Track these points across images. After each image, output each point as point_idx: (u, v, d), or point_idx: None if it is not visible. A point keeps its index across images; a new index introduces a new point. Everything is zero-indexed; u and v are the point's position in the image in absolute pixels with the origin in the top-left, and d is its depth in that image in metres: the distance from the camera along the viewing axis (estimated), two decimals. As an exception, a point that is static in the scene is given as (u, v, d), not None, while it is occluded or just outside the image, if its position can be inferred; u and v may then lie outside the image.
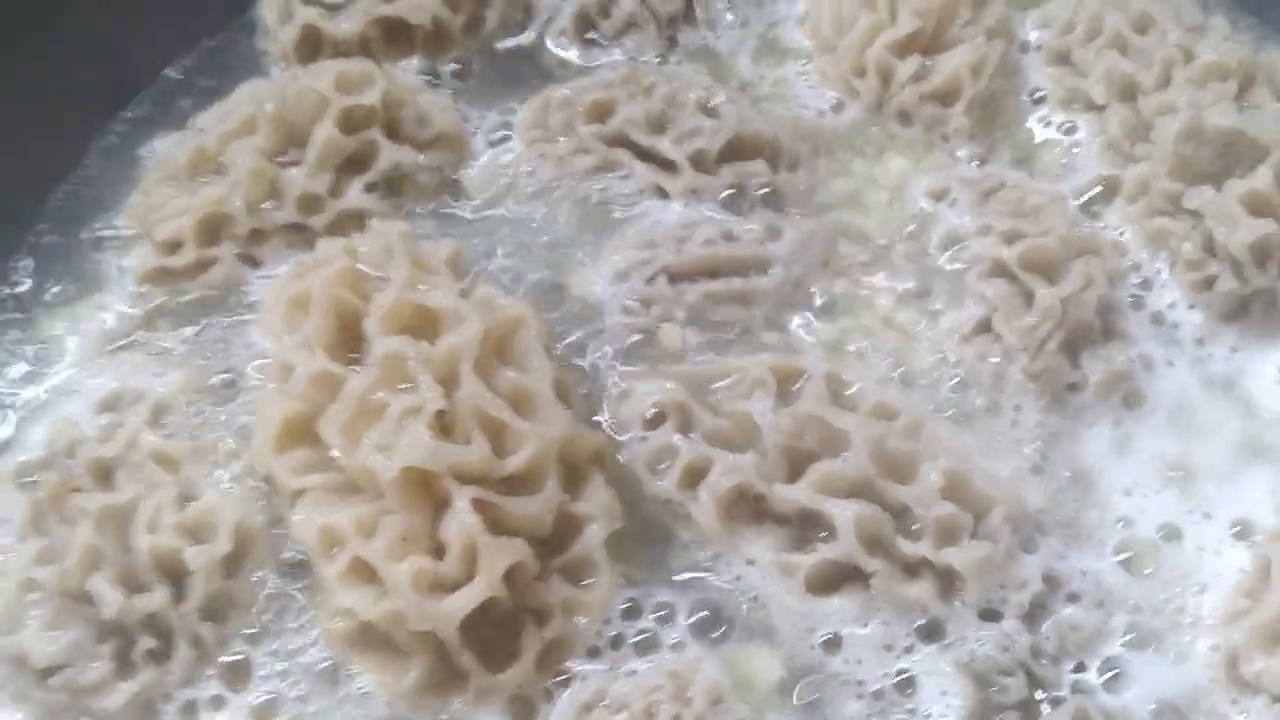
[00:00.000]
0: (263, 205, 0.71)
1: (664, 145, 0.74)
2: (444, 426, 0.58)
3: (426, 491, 0.57)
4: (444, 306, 0.61)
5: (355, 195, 0.72)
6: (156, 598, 0.59)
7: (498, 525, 0.57)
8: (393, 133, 0.74)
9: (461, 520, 0.55)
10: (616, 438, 0.66)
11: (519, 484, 0.58)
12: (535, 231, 0.74)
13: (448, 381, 0.59)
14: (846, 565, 0.60)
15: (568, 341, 0.69)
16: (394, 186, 0.74)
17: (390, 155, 0.73)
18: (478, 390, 0.58)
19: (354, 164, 0.73)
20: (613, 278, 0.71)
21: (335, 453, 0.57)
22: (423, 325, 0.61)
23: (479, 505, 0.56)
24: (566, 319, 0.70)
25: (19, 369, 0.72)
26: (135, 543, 0.60)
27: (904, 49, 0.77)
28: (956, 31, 0.77)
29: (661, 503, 0.64)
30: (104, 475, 0.63)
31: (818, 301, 0.71)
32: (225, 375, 0.68)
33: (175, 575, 0.60)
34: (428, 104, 0.77)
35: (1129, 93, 0.75)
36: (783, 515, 0.62)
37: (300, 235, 0.71)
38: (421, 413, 0.57)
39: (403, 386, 0.58)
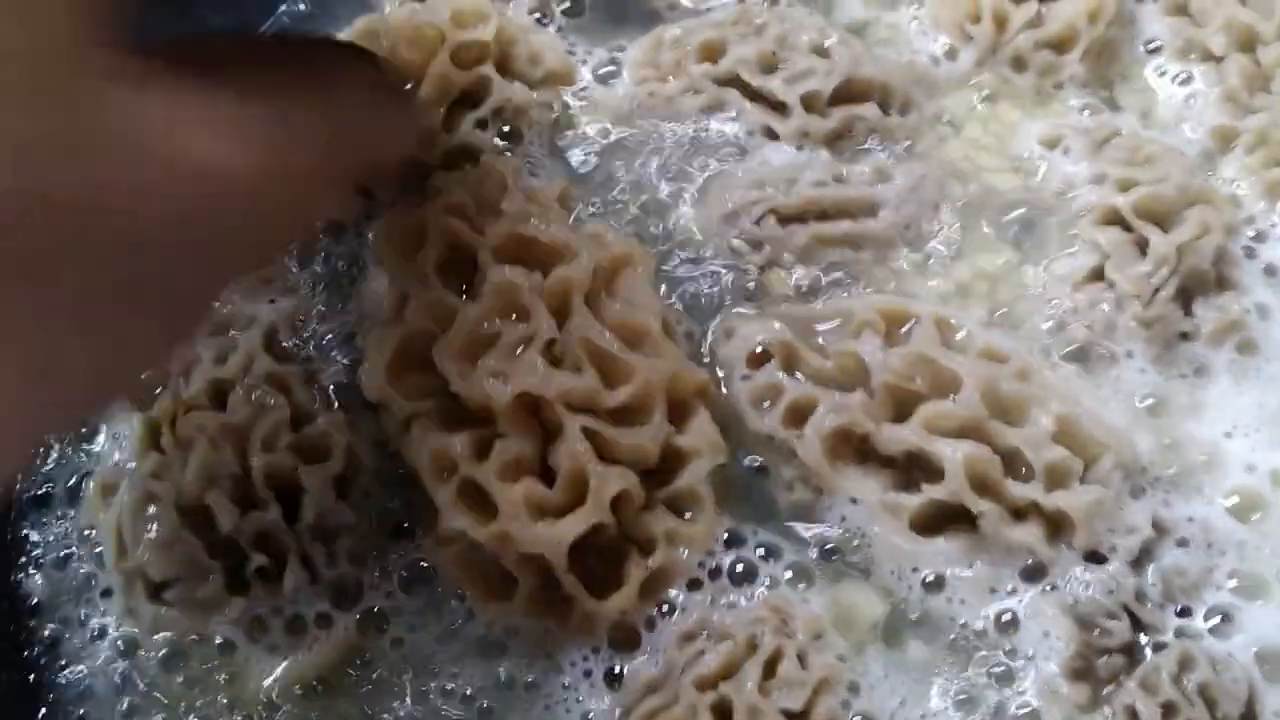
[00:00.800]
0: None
1: (775, 85, 0.74)
2: (554, 357, 0.59)
3: (537, 418, 0.58)
4: (556, 240, 0.61)
5: (467, 130, 0.73)
6: (270, 515, 0.61)
7: (605, 454, 0.57)
8: (505, 69, 0.75)
9: (572, 447, 0.56)
10: (720, 375, 0.66)
11: (626, 415, 0.59)
12: (644, 169, 0.74)
13: (559, 313, 0.59)
14: (953, 506, 0.60)
15: (674, 278, 0.70)
16: (506, 122, 0.74)
17: (502, 91, 0.73)
18: (588, 322, 0.59)
19: (466, 100, 0.73)
20: (721, 217, 0.71)
21: (449, 379, 0.58)
22: (535, 258, 0.62)
23: (588, 434, 0.57)
24: (674, 257, 0.71)
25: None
26: (251, 461, 0.62)
27: (1018, -6, 0.76)
28: (1072, -24, 0.77)
29: (765, 440, 0.64)
30: (218, 396, 0.65)
31: (928, 244, 0.70)
32: (339, 304, 0.70)
33: (288, 494, 0.62)
34: (539, 43, 0.77)
35: (1249, 43, 0.74)
36: (889, 456, 0.62)
37: (414, 169, 0.71)
38: (534, 341, 0.57)
39: (515, 316, 0.59)
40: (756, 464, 0.64)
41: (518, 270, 0.59)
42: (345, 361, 0.67)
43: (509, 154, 0.72)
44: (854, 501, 0.63)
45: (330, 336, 0.68)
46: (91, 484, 0.66)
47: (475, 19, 0.73)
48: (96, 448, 0.68)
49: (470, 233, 0.62)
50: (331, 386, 0.66)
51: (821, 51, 0.75)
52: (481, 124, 0.73)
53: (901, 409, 0.63)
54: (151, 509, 0.62)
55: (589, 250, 0.60)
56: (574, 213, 0.69)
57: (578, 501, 0.57)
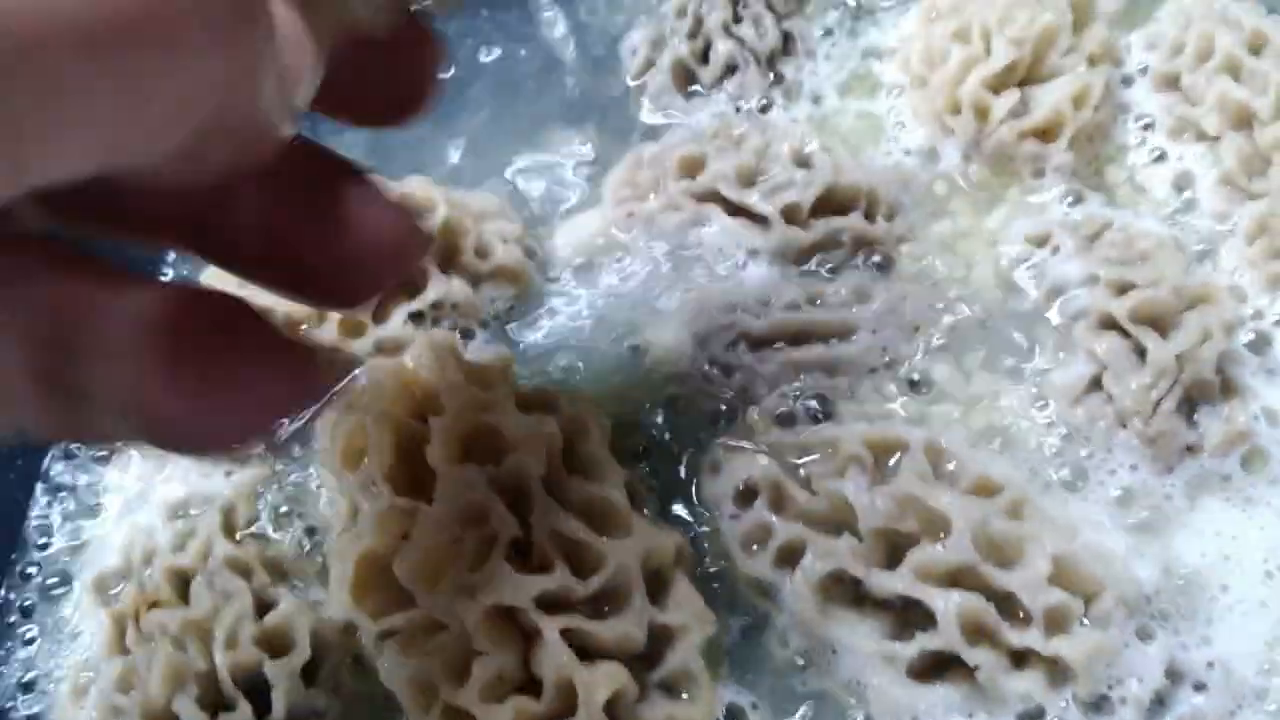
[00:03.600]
0: (301, 327, 0.70)
1: (754, 199, 0.72)
2: (521, 552, 0.57)
3: (513, 624, 0.56)
4: (505, 426, 0.59)
5: (397, 325, 0.70)
6: (239, 714, 0.59)
7: (590, 651, 0.56)
8: (449, 262, 0.72)
9: (553, 653, 0.54)
10: (700, 517, 0.65)
11: (605, 601, 0.57)
12: (618, 292, 0.72)
13: (518, 502, 0.57)
14: (950, 653, 0.58)
15: (647, 408, 0.68)
16: (444, 316, 0.72)
17: (439, 286, 0.71)
18: (552, 511, 0.57)
19: (401, 290, 0.71)
20: (693, 341, 0.69)
21: (415, 596, 0.56)
22: (486, 447, 0.59)
23: (568, 634, 0.55)
24: (646, 383, 0.69)
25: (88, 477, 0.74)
26: (215, 659, 0.60)
27: (1000, 83, 0.73)
28: (1056, 60, 0.74)
29: (755, 582, 0.62)
30: (181, 586, 0.63)
31: (911, 366, 0.68)
32: (294, 477, 0.68)
33: (259, 684, 0.60)
34: (491, 233, 0.74)
35: (1244, 121, 0.71)
36: (882, 599, 0.60)
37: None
38: (498, 544, 0.56)
39: (474, 518, 0.57)
40: (748, 616, 0.62)
41: (471, 468, 0.57)
42: (304, 531, 0.65)
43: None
44: (849, 650, 0.60)
45: (286, 508, 0.67)
46: (64, 685, 0.65)
47: (421, 207, 0.71)
48: (72, 642, 0.68)
49: (415, 432, 0.59)
50: (291, 561, 0.65)
51: (802, 160, 0.73)
52: (416, 317, 0.71)
53: (893, 551, 0.60)
54: (119, 722, 0.61)
55: (541, 430, 0.58)
56: (518, 380, 0.67)
57: (570, 709, 0.55)
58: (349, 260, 0.41)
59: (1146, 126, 0.75)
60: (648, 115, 0.82)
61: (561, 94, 0.85)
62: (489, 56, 0.88)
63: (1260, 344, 0.67)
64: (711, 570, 0.63)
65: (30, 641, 0.68)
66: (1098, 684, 0.58)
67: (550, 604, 0.56)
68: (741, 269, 0.71)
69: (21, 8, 0.25)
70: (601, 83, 0.85)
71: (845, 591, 0.61)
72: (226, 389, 0.38)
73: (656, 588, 0.59)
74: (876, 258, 0.72)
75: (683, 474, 0.66)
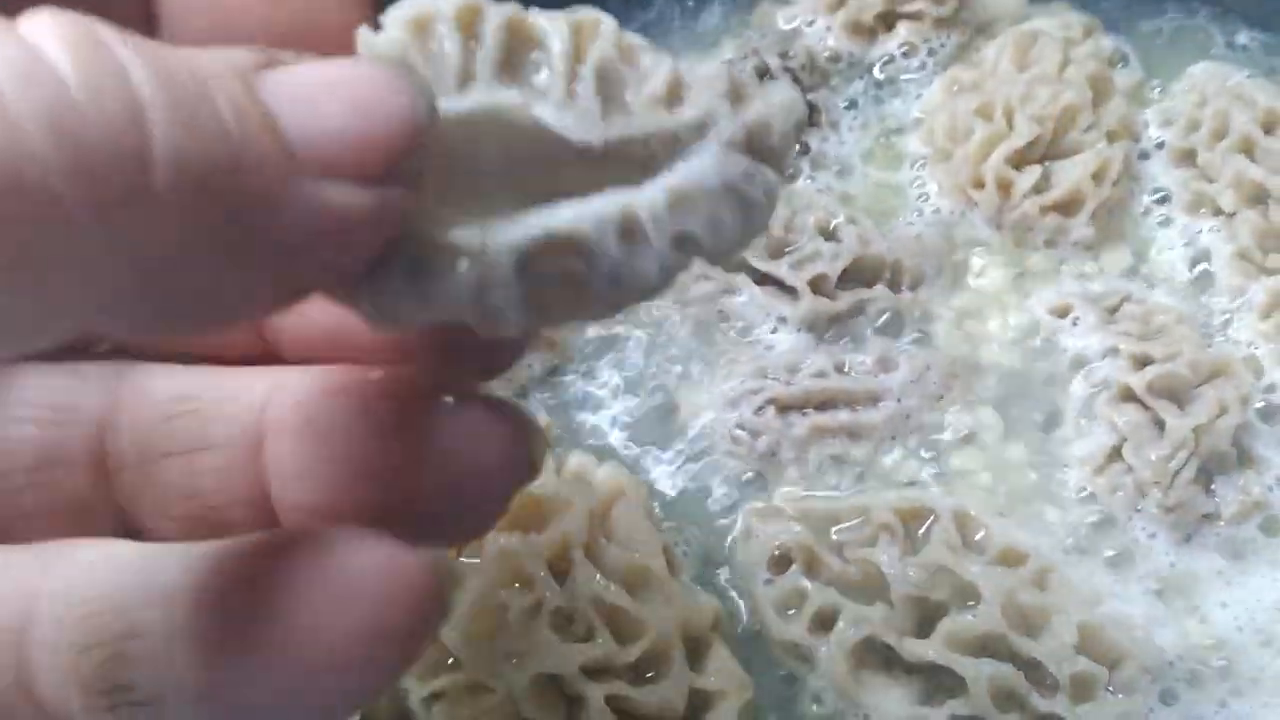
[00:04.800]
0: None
1: (783, 270, 0.74)
2: (563, 614, 0.59)
3: (558, 689, 0.58)
4: (545, 492, 0.62)
5: None
6: None
7: (632, 715, 0.58)
8: None
9: (598, 719, 0.57)
10: (735, 582, 0.67)
11: (645, 666, 0.59)
12: (651, 358, 0.75)
13: (560, 569, 0.60)
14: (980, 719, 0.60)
15: (679, 470, 0.71)
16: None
17: None
18: (592, 578, 0.59)
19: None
20: (723, 405, 0.72)
21: (461, 661, 0.58)
22: (528, 516, 0.61)
23: (611, 700, 0.57)
24: (677, 445, 0.72)
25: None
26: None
27: (1023, 158, 0.76)
28: (1077, 136, 0.76)
29: (790, 646, 0.65)
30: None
31: (933, 435, 0.70)
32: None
33: None
34: None
35: (1259, 199, 0.73)
36: (913, 664, 0.63)
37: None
38: (542, 611, 0.58)
39: (518, 585, 0.59)
40: (783, 679, 0.65)
41: (516, 536, 0.60)
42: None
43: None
44: (880, 713, 0.63)
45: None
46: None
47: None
48: None
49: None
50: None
51: (828, 232, 0.75)
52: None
53: (924, 617, 0.63)
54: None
55: (582, 498, 0.61)
56: (558, 444, 0.70)
57: (613, 772, 0.57)
58: (435, 495, 0.36)
59: (1163, 200, 0.77)
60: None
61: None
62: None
63: (1274, 416, 0.69)
64: (747, 634, 0.65)
65: None
66: (1124, 751, 0.60)
67: (594, 671, 0.58)
68: (770, 336, 0.73)
69: None
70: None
71: (877, 657, 0.63)
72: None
73: (695, 653, 0.61)
74: (901, 327, 0.74)
75: (715, 539, 0.68)
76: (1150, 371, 0.67)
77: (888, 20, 0.86)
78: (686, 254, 0.30)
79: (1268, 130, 0.74)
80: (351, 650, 0.28)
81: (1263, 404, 0.69)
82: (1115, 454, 0.67)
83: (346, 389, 0.37)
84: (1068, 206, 0.75)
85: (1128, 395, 0.68)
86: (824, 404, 0.71)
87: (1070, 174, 0.75)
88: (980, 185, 0.76)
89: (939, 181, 0.79)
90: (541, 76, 0.31)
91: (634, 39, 0.32)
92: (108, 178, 0.23)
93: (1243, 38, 0.85)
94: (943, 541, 0.63)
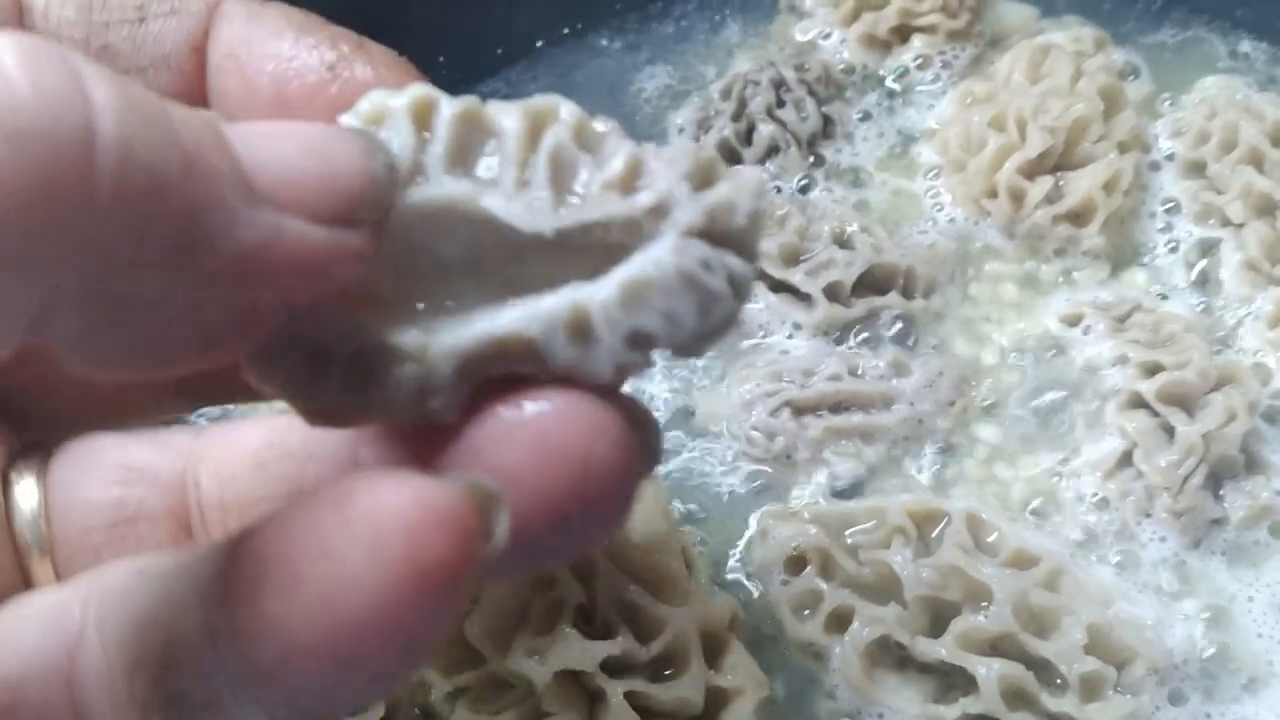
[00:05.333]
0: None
1: (798, 278, 0.75)
2: (584, 613, 0.61)
3: (579, 685, 0.60)
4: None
5: None
6: None
7: (651, 711, 0.59)
8: None
9: (617, 715, 0.58)
10: (751, 582, 0.68)
11: (664, 664, 0.61)
12: (669, 362, 0.76)
13: (582, 569, 0.61)
14: (991, 718, 0.62)
15: (694, 469, 0.72)
16: None
17: None
18: (614, 578, 0.61)
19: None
20: (739, 408, 0.73)
21: (486, 657, 0.59)
22: None
23: (630, 696, 0.59)
24: (694, 447, 0.73)
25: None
26: None
27: (1035, 169, 0.77)
28: (1088, 148, 0.77)
29: (805, 645, 0.66)
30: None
31: (945, 438, 0.72)
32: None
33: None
34: None
35: (1267, 210, 0.75)
36: (926, 664, 0.64)
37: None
38: (565, 609, 0.59)
39: (542, 585, 0.60)
40: (798, 678, 0.66)
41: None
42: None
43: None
44: (894, 712, 0.64)
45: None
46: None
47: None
48: None
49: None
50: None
51: (842, 240, 0.77)
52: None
53: (937, 617, 0.64)
54: None
55: None
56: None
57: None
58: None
59: (1173, 211, 0.78)
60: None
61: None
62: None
63: (1282, 422, 0.70)
64: (763, 634, 0.67)
65: None
66: (1132, 749, 0.61)
67: (614, 668, 0.60)
68: (786, 341, 0.75)
69: None
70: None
71: (891, 656, 0.65)
72: None
73: (713, 652, 0.62)
74: (914, 333, 0.75)
75: (732, 540, 0.70)
76: (1160, 379, 0.68)
77: (902, 33, 0.88)
78: (642, 352, 0.29)
79: (1276, 142, 0.76)
80: (394, 597, 0.26)
81: (1274, 414, 0.71)
82: (1125, 460, 0.69)
83: None
84: (1079, 216, 0.77)
85: (1138, 402, 0.69)
86: (838, 406, 0.72)
87: (1082, 184, 0.76)
88: (993, 195, 0.78)
89: (952, 191, 0.80)
90: (493, 167, 0.29)
91: (600, 125, 0.30)
92: (52, 171, 0.23)
93: (1245, 47, 0.87)
94: (955, 544, 0.65)
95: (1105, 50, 0.84)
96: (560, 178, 0.29)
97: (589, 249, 0.29)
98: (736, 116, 0.85)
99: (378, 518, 0.26)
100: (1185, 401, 0.68)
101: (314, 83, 0.33)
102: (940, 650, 0.62)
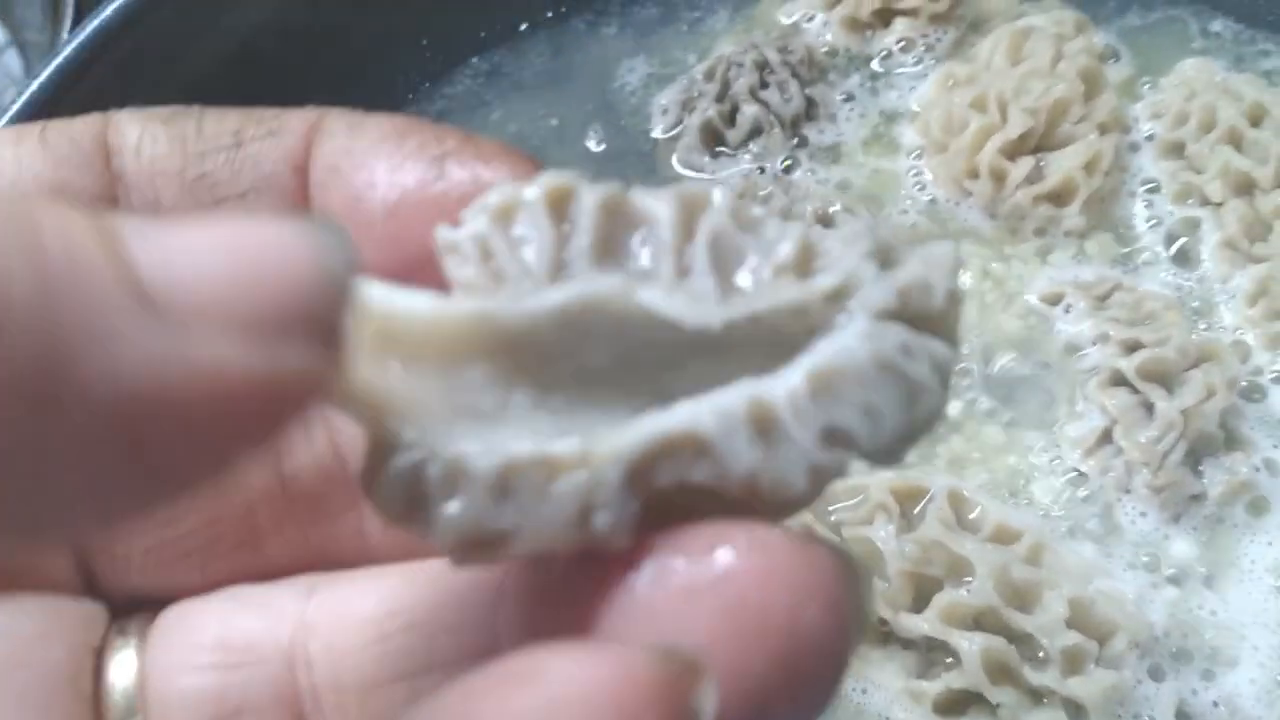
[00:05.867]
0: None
1: (780, 258, 0.76)
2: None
3: None
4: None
5: None
6: None
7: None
8: None
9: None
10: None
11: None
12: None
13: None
14: (974, 691, 0.62)
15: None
16: None
17: None
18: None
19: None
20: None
21: None
22: None
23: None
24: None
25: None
26: None
27: (1016, 150, 0.78)
28: (1069, 129, 0.78)
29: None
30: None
31: (935, 417, 0.72)
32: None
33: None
34: None
35: (1246, 189, 0.75)
36: (909, 639, 0.64)
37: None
38: None
39: None
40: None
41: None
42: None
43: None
44: (876, 686, 0.64)
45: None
46: None
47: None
48: None
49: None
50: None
51: (826, 221, 0.77)
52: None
53: (919, 592, 0.64)
54: None
55: None
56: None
57: None
58: None
59: (1152, 190, 0.79)
60: (674, 172, 0.86)
61: (588, 146, 0.89)
62: (515, 110, 0.92)
63: (1260, 399, 0.71)
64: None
65: None
66: (1112, 721, 0.62)
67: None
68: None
69: None
70: (630, 137, 0.89)
71: (873, 631, 0.65)
72: None
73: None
74: (898, 314, 0.76)
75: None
76: (1140, 356, 0.69)
77: (884, 16, 0.88)
78: (838, 453, 0.24)
79: (1254, 123, 0.76)
80: None
81: (1252, 391, 0.71)
82: (1106, 436, 0.69)
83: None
84: (1060, 196, 0.77)
85: (1118, 379, 0.70)
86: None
87: (1062, 165, 0.77)
88: (974, 175, 0.78)
89: (934, 172, 0.81)
90: (645, 258, 0.26)
91: (756, 210, 0.27)
92: None
93: (1217, 25, 0.87)
94: (937, 519, 0.65)
95: (1085, 33, 0.84)
96: (724, 265, 0.26)
97: (758, 346, 0.25)
98: (720, 98, 0.85)
99: (584, 694, 0.21)
100: (1165, 378, 0.69)
101: (417, 183, 0.30)
102: (923, 625, 0.63)
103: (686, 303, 0.25)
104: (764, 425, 0.24)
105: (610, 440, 0.24)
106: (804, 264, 0.26)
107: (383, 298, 0.25)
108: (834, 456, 0.24)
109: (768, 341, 0.25)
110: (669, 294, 0.25)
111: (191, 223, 0.21)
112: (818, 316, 0.25)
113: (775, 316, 0.25)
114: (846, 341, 0.24)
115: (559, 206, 0.26)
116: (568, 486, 0.24)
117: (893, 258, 0.26)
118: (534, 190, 0.26)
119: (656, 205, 0.26)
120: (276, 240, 0.21)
